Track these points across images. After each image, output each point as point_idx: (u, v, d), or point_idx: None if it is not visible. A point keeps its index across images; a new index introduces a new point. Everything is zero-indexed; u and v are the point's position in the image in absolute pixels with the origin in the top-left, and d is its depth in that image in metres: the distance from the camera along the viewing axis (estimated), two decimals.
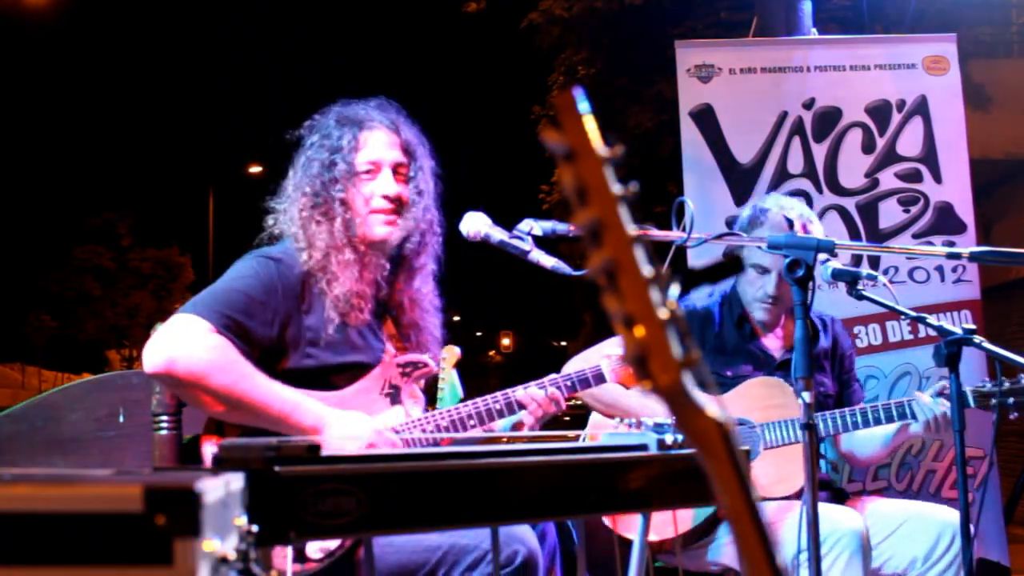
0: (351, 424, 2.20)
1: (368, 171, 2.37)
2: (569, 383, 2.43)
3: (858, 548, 2.52)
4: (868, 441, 2.94)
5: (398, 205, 2.39)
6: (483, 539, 2.06)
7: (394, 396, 2.35)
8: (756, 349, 2.98)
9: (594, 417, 2.97)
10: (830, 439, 3.01)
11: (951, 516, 2.76)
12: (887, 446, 2.91)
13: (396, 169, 2.40)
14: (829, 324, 3.08)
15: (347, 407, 2.25)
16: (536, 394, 2.38)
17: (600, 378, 2.44)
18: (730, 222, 3.91)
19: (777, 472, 2.75)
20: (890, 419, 2.76)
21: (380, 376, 2.34)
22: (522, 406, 2.37)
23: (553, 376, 2.44)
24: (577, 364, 2.83)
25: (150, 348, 2.13)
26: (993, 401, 2.70)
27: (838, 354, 3.06)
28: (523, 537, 2.08)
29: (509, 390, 2.39)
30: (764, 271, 2.92)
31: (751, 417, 2.81)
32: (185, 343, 2.12)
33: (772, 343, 3.01)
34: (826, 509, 2.66)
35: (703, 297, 3.07)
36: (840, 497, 2.94)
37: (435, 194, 2.49)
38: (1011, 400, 2.68)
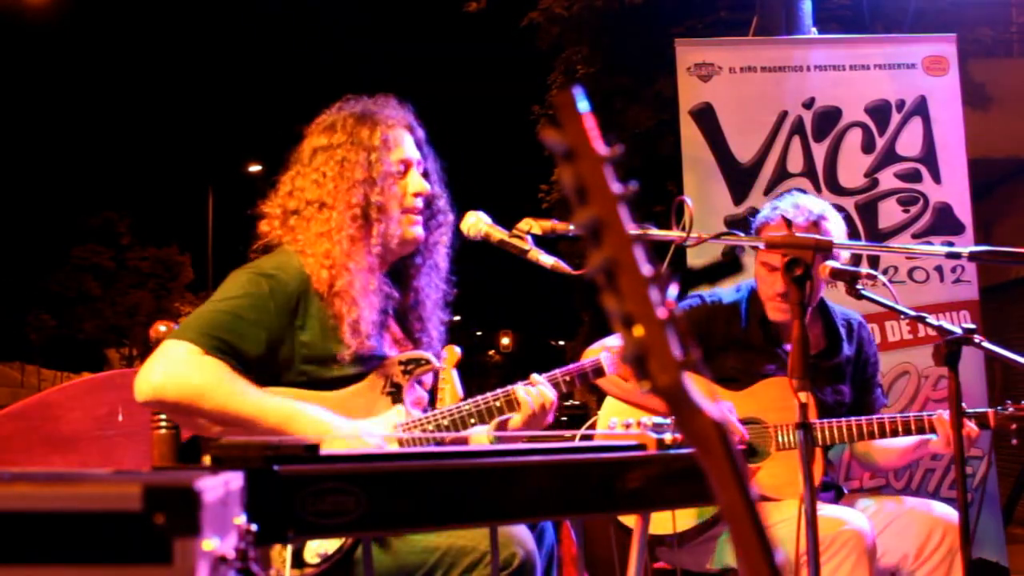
0: (349, 433, 2.18)
1: (400, 171, 2.35)
2: (568, 378, 2.41)
3: (864, 549, 2.52)
4: (886, 451, 2.93)
5: (425, 204, 2.38)
6: (481, 541, 2.05)
7: (395, 395, 2.32)
8: (780, 350, 2.92)
9: (608, 402, 2.94)
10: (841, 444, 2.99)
11: (942, 512, 2.76)
12: (904, 457, 2.90)
13: (418, 166, 2.39)
14: (855, 329, 3.02)
15: (347, 407, 2.23)
16: (532, 394, 2.34)
17: (599, 372, 2.43)
18: (729, 221, 3.91)
19: (788, 474, 2.71)
20: (907, 432, 2.75)
21: (381, 375, 2.31)
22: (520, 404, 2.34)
23: (553, 371, 2.43)
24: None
25: (140, 377, 2.10)
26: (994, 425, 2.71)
27: (861, 360, 2.99)
28: (521, 539, 2.06)
29: (510, 387, 2.37)
30: (772, 268, 2.90)
31: (765, 417, 2.79)
32: (173, 368, 2.09)
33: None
34: (834, 510, 2.66)
35: (730, 292, 3.01)
36: (840, 495, 2.94)
37: (445, 192, 2.48)
38: (1014, 427, 2.69)
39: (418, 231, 2.37)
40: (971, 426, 2.70)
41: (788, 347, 2.93)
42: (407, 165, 2.37)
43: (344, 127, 2.35)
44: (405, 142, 2.38)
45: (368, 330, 2.24)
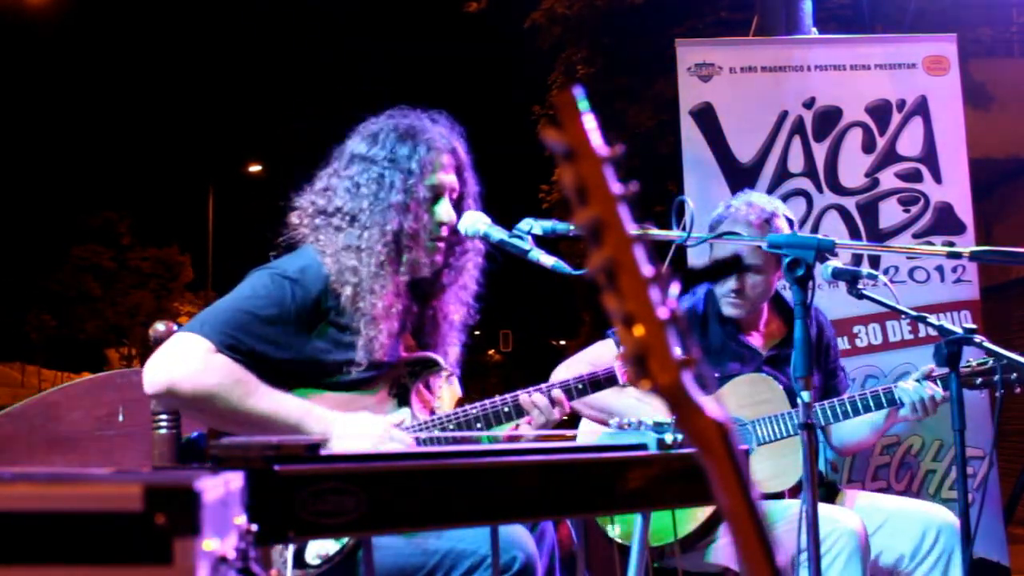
0: (359, 426, 2.16)
1: (429, 197, 2.32)
2: (581, 386, 2.39)
3: (856, 548, 2.52)
4: (856, 429, 2.95)
5: (452, 231, 2.35)
6: (481, 544, 2.04)
7: (402, 397, 2.31)
8: (741, 346, 2.97)
9: (584, 424, 2.97)
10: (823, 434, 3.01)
11: (936, 512, 2.77)
12: (876, 431, 2.92)
13: (451, 194, 2.36)
14: (812, 313, 3.06)
15: (354, 408, 2.22)
16: (540, 401, 2.32)
17: (612, 379, 2.41)
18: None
19: (773, 467, 2.76)
20: (879, 406, 2.77)
21: (388, 376, 2.30)
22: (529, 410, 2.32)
23: (564, 379, 2.41)
24: (562, 372, 2.81)
25: (151, 367, 2.08)
26: (996, 377, 2.69)
27: (823, 344, 3.04)
28: (522, 542, 2.05)
29: (518, 392, 2.34)
30: None
31: (742, 415, 2.81)
32: (187, 364, 2.07)
33: (755, 340, 3.01)
34: (825, 509, 2.66)
35: (686, 298, 3.06)
36: (831, 492, 2.94)
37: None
38: (1014, 376, 2.67)
39: (437, 259, 2.35)
40: (935, 387, 2.72)
41: (745, 338, 2.98)
42: (438, 192, 2.33)
43: (386, 141, 2.31)
44: (442, 167, 2.34)
45: (382, 349, 2.23)
